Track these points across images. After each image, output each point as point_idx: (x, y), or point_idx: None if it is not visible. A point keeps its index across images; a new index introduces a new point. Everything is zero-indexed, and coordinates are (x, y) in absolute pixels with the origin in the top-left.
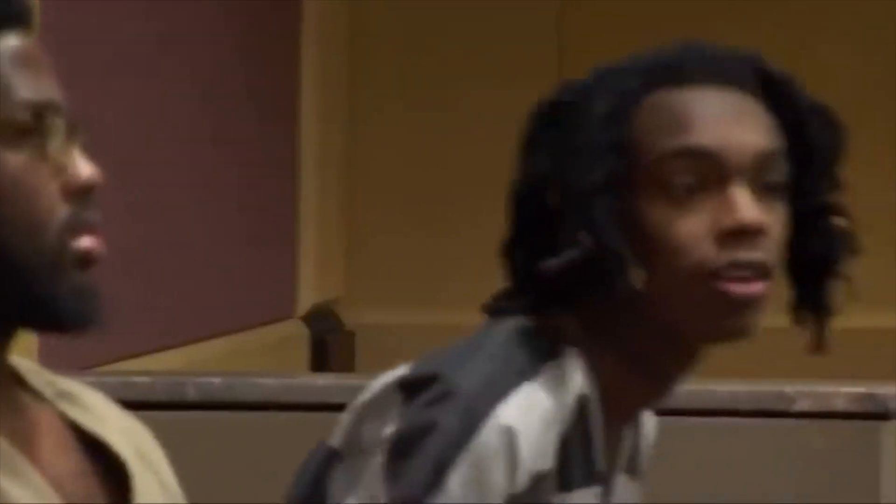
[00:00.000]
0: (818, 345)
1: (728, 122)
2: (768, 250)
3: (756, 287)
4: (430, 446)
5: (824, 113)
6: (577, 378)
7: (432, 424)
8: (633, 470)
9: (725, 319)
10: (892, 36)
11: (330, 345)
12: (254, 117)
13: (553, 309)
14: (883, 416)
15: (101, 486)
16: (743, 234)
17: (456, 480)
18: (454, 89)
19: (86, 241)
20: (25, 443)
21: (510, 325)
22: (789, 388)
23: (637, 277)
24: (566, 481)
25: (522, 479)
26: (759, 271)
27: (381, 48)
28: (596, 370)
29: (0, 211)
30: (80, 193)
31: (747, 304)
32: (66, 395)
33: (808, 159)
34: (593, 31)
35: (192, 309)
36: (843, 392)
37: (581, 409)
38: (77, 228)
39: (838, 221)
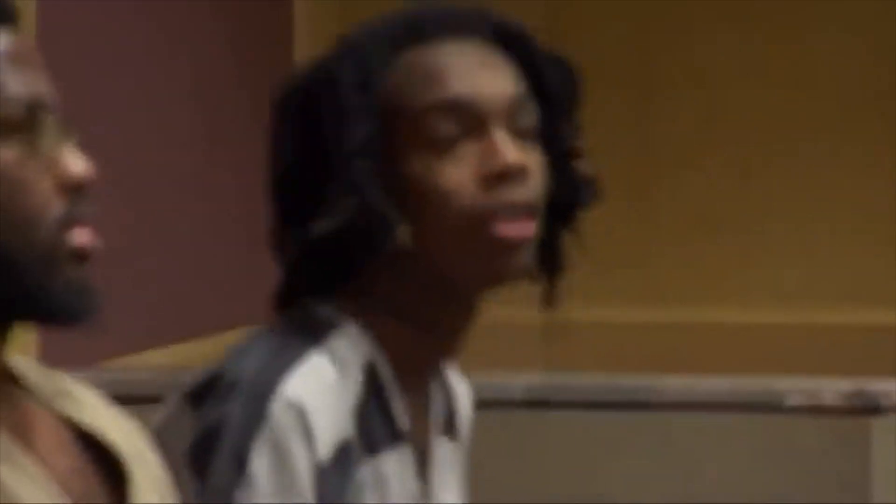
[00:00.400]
0: (550, 299)
1: (478, 71)
2: (533, 190)
3: (526, 227)
4: (226, 441)
5: (559, 62)
6: (359, 347)
7: (223, 420)
8: (451, 432)
9: (498, 262)
10: (892, 34)
11: None
12: (246, 116)
13: (328, 287)
14: (874, 411)
15: (99, 484)
16: (508, 175)
17: (259, 466)
18: None
19: (80, 236)
20: (22, 439)
21: (288, 313)
22: (780, 384)
23: (405, 233)
24: (370, 445)
25: (324, 450)
26: (527, 210)
27: None
28: (378, 335)
29: None
30: (73, 189)
31: (518, 245)
32: (63, 393)
33: (547, 107)
34: (584, 25)
35: (186, 307)
36: (833, 388)
37: (370, 375)
38: (71, 223)
39: (580, 166)
